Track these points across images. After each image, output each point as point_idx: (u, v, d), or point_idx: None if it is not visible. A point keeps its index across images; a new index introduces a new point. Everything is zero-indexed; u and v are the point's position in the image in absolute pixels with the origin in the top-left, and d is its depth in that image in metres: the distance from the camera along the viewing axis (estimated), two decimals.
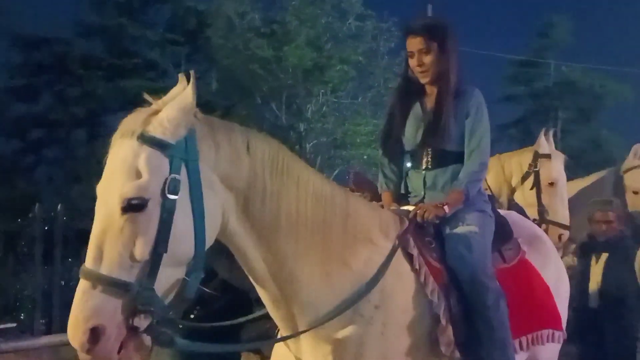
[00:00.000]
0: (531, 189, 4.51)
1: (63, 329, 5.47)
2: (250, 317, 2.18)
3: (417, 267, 2.10)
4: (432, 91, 2.49)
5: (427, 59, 2.39)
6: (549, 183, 4.46)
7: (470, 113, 2.41)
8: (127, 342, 1.59)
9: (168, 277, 1.64)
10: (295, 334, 1.95)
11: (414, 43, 2.40)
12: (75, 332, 1.54)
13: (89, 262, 1.58)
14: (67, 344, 5.03)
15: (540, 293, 2.55)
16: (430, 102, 2.50)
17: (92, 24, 18.09)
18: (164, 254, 1.61)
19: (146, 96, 1.79)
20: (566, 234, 4.24)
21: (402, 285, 2.06)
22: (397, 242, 2.09)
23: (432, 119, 2.44)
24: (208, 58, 15.94)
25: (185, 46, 17.51)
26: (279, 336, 2.09)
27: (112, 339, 1.55)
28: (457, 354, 2.07)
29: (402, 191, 2.59)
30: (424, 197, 2.45)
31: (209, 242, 1.73)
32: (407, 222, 2.18)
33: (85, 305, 1.54)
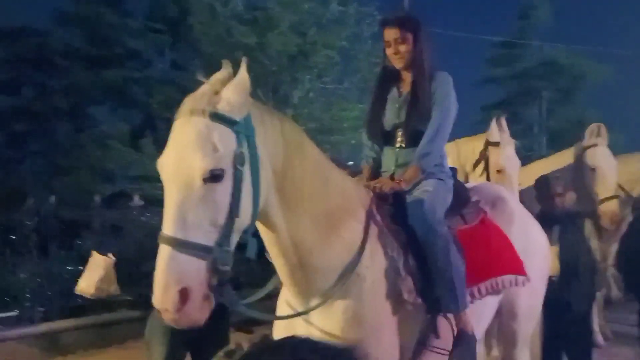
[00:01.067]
0: (481, 175, 4.69)
1: (60, 316, 5.59)
2: (264, 291, 2.39)
3: (381, 230, 2.43)
4: (406, 77, 2.84)
5: (403, 48, 2.75)
6: (497, 170, 4.61)
7: (437, 96, 2.72)
8: (205, 302, 1.78)
9: (234, 241, 1.87)
10: (314, 307, 2.22)
11: (391, 33, 2.76)
12: (166, 294, 1.70)
13: (171, 230, 1.73)
14: (65, 330, 5.11)
15: (500, 245, 2.83)
16: (405, 86, 2.84)
17: (72, 14, 17.85)
18: (236, 219, 1.83)
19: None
20: None
21: (377, 247, 2.38)
22: (368, 212, 2.41)
23: (408, 102, 2.77)
24: (191, 46, 15.84)
25: (167, 34, 17.34)
26: (280, 302, 2.46)
27: (199, 299, 1.75)
28: (419, 300, 2.40)
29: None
30: (393, 173, 2.77)
31: (260, 208, 1.98)
32: (371, 194, 2.53)
33: (173, 270, 1.71)
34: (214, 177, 1.78)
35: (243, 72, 1.94)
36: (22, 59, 17.76)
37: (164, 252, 1.73)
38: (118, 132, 13.29)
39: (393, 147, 2.82)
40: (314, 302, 2.25)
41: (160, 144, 2.28)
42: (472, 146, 5.08)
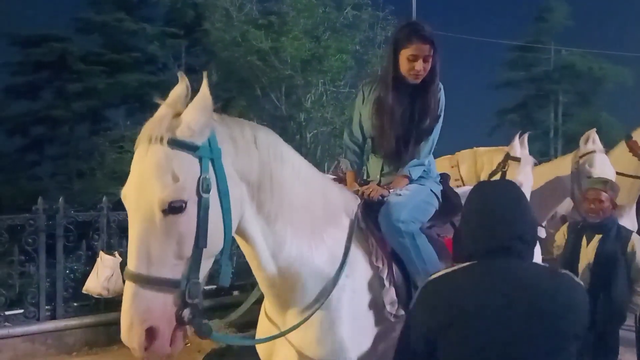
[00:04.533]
0: None
1: (66, 315, 5.69)
2: (243, 309, 2.30)
3: (367, 238, 2.34)
4: (408, 88, 2.63)
5: (427, 65, 2.55)
6: None
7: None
8: (176, 334, 1.69)
9: (204, 270, 1.75)
10: (294, 327, 2.10)
11: (424, 49, 2.52)
12: (132, 335, 1.62)
13: (134, 265, 1.64)
14: (71, 328, 5.16)
15: None
16: (405, 98, 2.63)
17: (91, 20, 18.21)
18: (204, 249, 1.71)
19: (157, 100, 1.82)
20: None
21: (360, 255, 2.30)
22: (354, 219, 2.32)
23: (409, 114, 2.62)
24: (207, 50, 16.01)
25: (184, 39, 17.62)
26: (262, 314, 2.34)
27: (167, 336, 1.66)
28: (402, 312, 2.29)
29: (365, 177, 2.81)
30: (379, 182, 2.68)
31: (233, 232, 1.87)
32: (358, 200, 2.42)
33: (138, 308, 1.62)
34: (174, 209, 1.65)
35: (204, 89, 1.78)
36: (42, 64, 18.17)
37: (128, 289, 1.65)
38: (134, 135, 13.50)
39: (378, 155, 2.73)
40: (292, 312, 2.17)
41: None
42: (489, 157, 5.10)
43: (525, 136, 4.93)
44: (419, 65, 2.52)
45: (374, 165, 2.75)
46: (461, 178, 5.34)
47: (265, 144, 1.99)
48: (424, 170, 2.67)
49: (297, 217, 2.09)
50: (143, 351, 1.63)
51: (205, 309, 1.84)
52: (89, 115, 18.08)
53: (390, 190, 2.50)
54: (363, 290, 2.27)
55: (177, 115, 1.76)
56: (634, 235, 3.87)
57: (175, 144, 1.70)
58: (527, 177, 4.66)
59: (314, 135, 14.49)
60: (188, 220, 1.68)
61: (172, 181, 1.66)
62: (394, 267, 2.34)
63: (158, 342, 1.64)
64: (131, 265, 1.65)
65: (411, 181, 2.58)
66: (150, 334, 1.63)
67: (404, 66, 2.56)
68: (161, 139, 1.69)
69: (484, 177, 5.02)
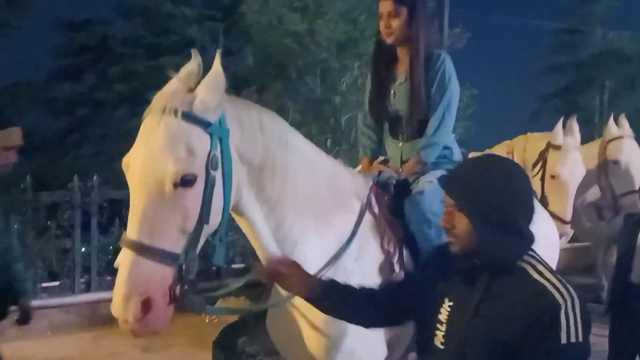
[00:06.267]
0: (534, 176, 4.46)
1: (100, 288, 5.89)
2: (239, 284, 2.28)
3: (379, 222, 2.33)
4: (402, 55, 2.62)
5: (395, 22, 2.52)
6: (552, 175, 4.32)
7: (436, 79, 2.53)
8: (168, 309, 1.69)
9: (199, 248, 1.76)
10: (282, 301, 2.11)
11: (384, 5, 2.54)
12: (127, 305, 1.60)
13: (135, 234, 1.63)
14: (104, 301, 5.35)
15: None
16: (401, 67, 2.64)
17: (132, 4, 18.49)
18: (205, 225, 1.73)
19: (171, 73, 1.87)
20: (564, 227, 4.07)
21: (371, 240, 2.29)
22: (365, 203, 2.30)
23: (405, 87, 2.58)
24: (244, 34, 16.08)
25: (221, 22, 17.71)
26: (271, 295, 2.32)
27: (161, 309, 1.65)
28: None
29: (383, 157, 2.78)
30: (400, 168, 2.64)
31: (229, 213, 1.89)
32: (371, 184, 2.40)
33: (138, 278, 1.61)
34: (185, 182, 1.65)
35: (217, 67, 1.79)
36: (86, 47, 18.60)
37: (126, 257, 1.62)
38: None
39: (396, 139, 2.68)
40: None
41: None
42: (535, 144, 4.85)
43: (573, 121, 4.62)
44: (386, 22, 2.51)
45: (394, 151, 2.71)
46: None
47: (270, 130, 1.98)
48: (443, 156, 2.58)
49: (300, 202, 2.08)
50: (136, 322, 1.62)
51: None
52: (129, 97, 18.44)
53: (401, 173, 2.49)
54: (373, 275, 2.25)
55: (190, 90, 1.78)
56: None
57: (190, 117, 1.71)
58: (570, 167, 4.36)
59: (348, 119, 14.40)
60: (195, 195, 1.69)
61: (186, 154, 1.67)
62: (405, 252, 2.33)
63: (152, 315, 1.62)
64: (132, 234, 1.64)
65: (425, 164, 2.52)
66: (146, 306, 1.61)
67: (380, 28, 2.58)
68: (175, 112, 1.70)
69: (529, 165, 4.82)
